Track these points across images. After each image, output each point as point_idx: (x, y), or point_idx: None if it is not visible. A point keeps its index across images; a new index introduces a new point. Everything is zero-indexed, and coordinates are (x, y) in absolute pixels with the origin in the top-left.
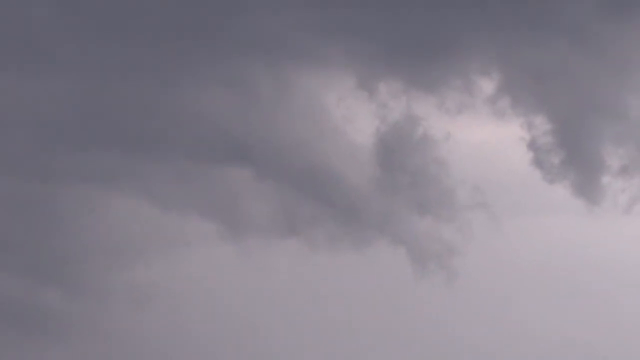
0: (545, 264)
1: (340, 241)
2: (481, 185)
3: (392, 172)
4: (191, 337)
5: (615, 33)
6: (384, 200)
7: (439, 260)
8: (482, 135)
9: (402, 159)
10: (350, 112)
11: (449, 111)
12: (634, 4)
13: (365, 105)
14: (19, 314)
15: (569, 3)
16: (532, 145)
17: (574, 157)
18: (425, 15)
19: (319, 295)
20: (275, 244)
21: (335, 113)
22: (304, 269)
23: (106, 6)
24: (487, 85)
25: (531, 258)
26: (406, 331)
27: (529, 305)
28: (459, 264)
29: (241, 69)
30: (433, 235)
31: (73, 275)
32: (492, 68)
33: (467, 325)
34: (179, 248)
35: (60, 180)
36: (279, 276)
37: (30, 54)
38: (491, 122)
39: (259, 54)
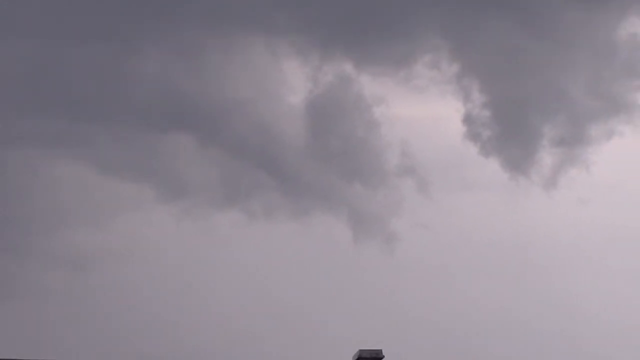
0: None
1: (278, 210)
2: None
3: (325, 138)
4: (130, 298)
5: (559, 15)
6: (320, 167)
7: (378, 226)
8: (421, 108)
9: (334, 123)
10: (287, 76)
11: (387, 82)
12: None
13: (301, 69)
14: None
15: None
16: (467, 119)
17: (509, 131)
18: None
19: (258, 260)
20: (216, 211)
21: (274, 77)
22: (244, 236)
23: None
24: (432, 60)
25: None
26: (346, 297)
27: (462, 274)
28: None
29: (188, 37)
30: (370, 201)
31: (16, 237)
32: (437, 43)
33: (402, 291)
34: (120, 212)
35: (5, 144)
36: (220, 242)
37: None
38: (431, 96)
39: (207, 21)
